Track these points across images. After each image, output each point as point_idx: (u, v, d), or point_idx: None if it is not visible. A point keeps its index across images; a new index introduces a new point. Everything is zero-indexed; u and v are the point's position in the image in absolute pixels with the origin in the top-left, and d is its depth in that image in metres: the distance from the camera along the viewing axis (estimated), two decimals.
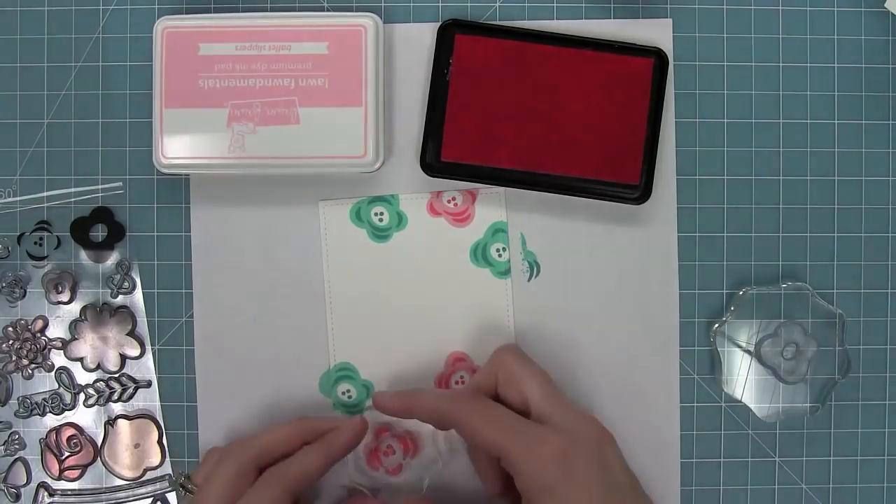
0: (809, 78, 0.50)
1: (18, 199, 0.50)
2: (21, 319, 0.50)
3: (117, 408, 0.50)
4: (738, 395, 0.49)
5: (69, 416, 0.50)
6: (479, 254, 0.50)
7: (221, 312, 0.50)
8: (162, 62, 0.47)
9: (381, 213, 0.50)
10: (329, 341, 0.50)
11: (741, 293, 0.49)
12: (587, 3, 0.50)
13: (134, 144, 0.50)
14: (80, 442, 0.50)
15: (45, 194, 0.50)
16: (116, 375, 0.50)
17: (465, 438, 0.44)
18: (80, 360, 0.50)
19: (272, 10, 0.50)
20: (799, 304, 0.49)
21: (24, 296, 0.50)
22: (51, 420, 0.50)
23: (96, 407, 0.50)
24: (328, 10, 0.50)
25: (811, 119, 0.50)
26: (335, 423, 0.46)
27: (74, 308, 0.50)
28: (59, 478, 0.50)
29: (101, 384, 0.50)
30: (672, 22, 0.50)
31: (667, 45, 0.49)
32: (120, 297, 0.50)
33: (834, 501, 0.50)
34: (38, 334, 0.50)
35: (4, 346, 0.50)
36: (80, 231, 0.50)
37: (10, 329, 0.50)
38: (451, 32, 0.48)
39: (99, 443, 0.50)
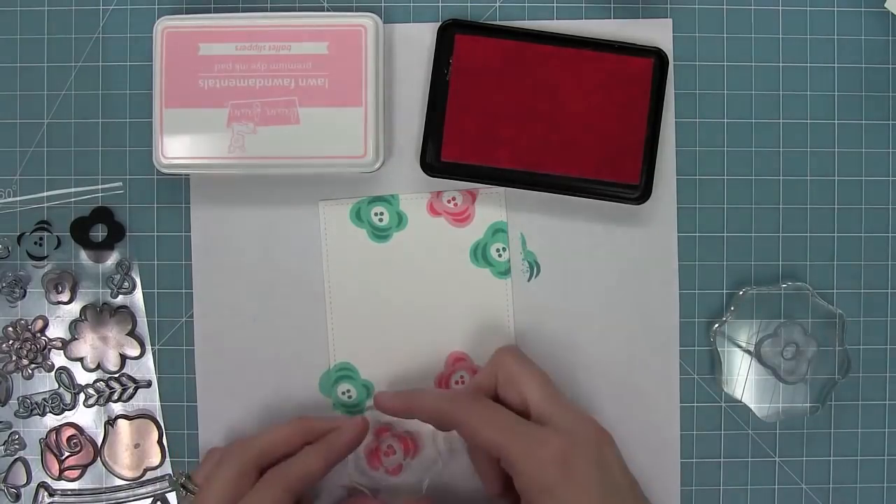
0: (809, 78, 0.50)
1: (18, 199, 0.50)
2: (21, 319, 0.50)
3: (117, 408, 0.50)
4: (738, 395, 0.49)
5: (69, 416, 0.50)
6: (479, 254, 0.50)
7: (221, 312, 0.50)
8: (162, 62, 0.47)
9: (381, 213, 0.50)
10: (329, 341, 0.50)
11: (741, 293, 0.49)
12: (587, 3, 0.50)
13: (134, 144, 0.50)
14: (80, 442, 0.50)
15: (45, 194, 0.50)
16: (116, 375, 0.50)
17: (465, 439, 0.44)
18: (80, 360, 0.50)
19: (272, 10, 0.50)
20: (799, 304, 0.49)
21: (24, 296, 0.50)
22: (51, 420, 0.50)
23: (96, 407, 0.50)
24: (328, 10, 0.50)
25: (811, 119, 0.50)
26: (336, 423, 0.46)
27: (74, 308, 0.50)
28: (59, 478, 0.50)
29: (101, 384, 0.50)
30: (672, 22, 0.50)
31: (667, 45, 0.49)
32: (120, 297, 0.50)
33: (834, 501, 0.50)
34: (38, 334, 0.50)
35: (4, 346, 0.50)
36: (80, 231, 0.50)
37: (10, 329, 0.50)
38: (451, 32, 0.48)
39: (99, 443, 0.50)
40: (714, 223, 0.50)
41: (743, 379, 0.49)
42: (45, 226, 0.50)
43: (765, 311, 0.49)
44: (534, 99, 0.48)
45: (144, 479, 0.50)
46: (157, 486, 0.50)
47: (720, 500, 0.50)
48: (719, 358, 0.49)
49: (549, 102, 0.48)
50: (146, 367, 0.50)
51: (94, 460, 0.50)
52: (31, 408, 0.50)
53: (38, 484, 0.50)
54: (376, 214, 0.50)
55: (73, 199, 0.50)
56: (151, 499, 0.50)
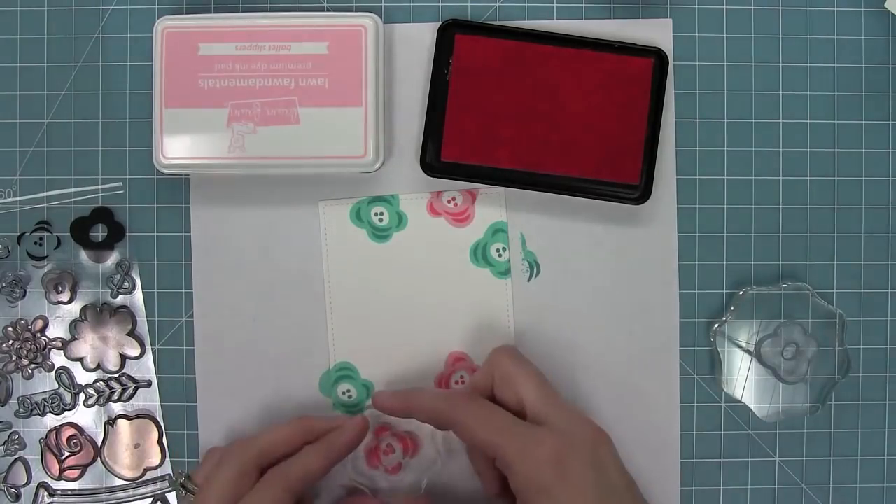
0: (809, 78, 0.50)
1: (18, 199, 0.50)
2: (21, 319, 0.50)
3: (117, 408, 0.50)
4: (738, 395, 0.49)
5: (69, 416, 0.50)
6: (479, 254, 0.50)
7: (221, 312, 0.50)
8: (162, 62, 0.47)
9: (381, 213, 0.50)
10: (329, 341, 0.50)
11: (741, 293, 0.49)
12: (587, 3, 0.50)
13: (134, 144, 0.50)
14: (80, 442, 0.50)
15: (45, 194, 0.50)
16: (116, 375, 0.50)
17: (462, 439, 0.44)
18: (80, 360, 0.50)
19: (272, 10, 0.50)
20: (799, 304, 0.49)
21: (24, 296, 0.50)
22: (51, 420, 0.50)
23: (96, 407, 0.50)
24: (328, 10, 0.50)
25: (811, 119, 0.50)
26: (336, 423, 0.46)
27: (74, 308, 0.50)
28: (59, 478, 0.50)
29: (101, 384, 0.50)
30: (672, 22, 0.50)
31: (667, 45, 0.49)
32: (120, 297, 0.50)
33: (834, 501, 0.50)
34: (38, 334, 0.50)
35: (4, 346, 0.50)
36: (80, 231, 0.50)
37: (10, 329, 0.50)
38: (451, 32, 0.48)
39: (99, 443, 0.50)
40: (714, 223, 0.50)
41: (743, 379, 0.49)
42: (45, 226, 0.50)
43: (765, 311, 0.49)
44: (534, 99, 0.48)
45: (144, 479, 0.50)
46: (157, 486, 0.50)
47: (720, 501, 0.50)
48: (719, 358, 0.49)
49: (549, 102, 0.48)
50: (146, 367, 0.50)
51: (94, 460, 0.50)
52: (31, 408, 0.50)
53: (38, 484, 0.50)
54: (376, 214, 0.50)
55: (73, 199, 0.50)
56: (151, 499, 0.50)
